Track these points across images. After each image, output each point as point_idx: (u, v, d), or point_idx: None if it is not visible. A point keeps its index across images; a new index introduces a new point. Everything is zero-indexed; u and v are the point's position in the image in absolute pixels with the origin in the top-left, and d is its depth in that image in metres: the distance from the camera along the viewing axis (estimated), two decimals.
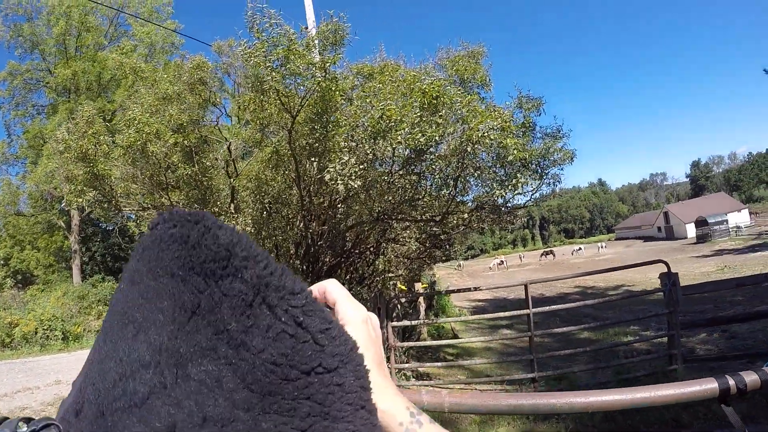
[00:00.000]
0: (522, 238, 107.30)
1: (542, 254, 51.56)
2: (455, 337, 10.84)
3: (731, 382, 1.37)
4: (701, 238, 45.00)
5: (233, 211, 7.63)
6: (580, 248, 56.27)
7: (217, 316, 0.36)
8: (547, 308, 7.11)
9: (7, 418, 0.40)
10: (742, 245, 32.48)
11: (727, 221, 49.37)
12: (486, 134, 5.22)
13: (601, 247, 53.58)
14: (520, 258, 55.30)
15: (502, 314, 8.04)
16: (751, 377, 1.38)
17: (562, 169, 7.59)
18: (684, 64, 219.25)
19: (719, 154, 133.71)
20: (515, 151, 5.68)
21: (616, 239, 75.11)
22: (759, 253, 24.96)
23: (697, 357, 6.93)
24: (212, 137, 8.33)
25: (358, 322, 0.48)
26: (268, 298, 0.37)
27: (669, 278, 6.68)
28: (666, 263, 7.53)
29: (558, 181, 7.63)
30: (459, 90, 6.40)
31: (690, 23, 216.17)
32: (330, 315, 0.40)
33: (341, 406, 0.36)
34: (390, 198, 6.45)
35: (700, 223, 50.62)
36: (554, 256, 50.07)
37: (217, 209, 7.42)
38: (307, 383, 0.36)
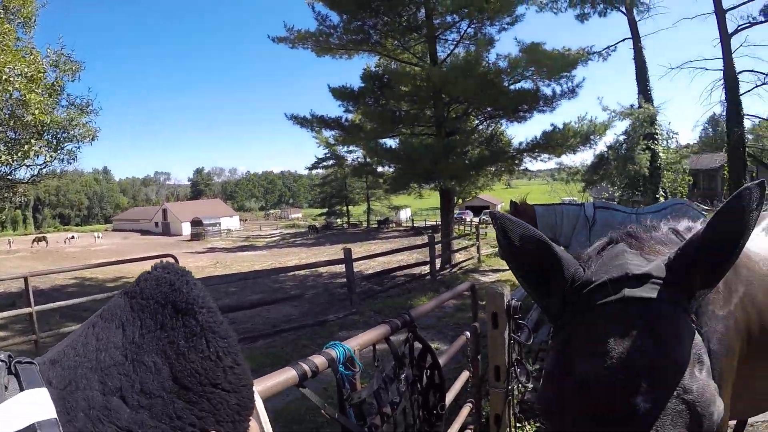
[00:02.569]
0: (12, 219, 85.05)
1: (34, 240, 44.24)
2: None
3: (306, 367, 1.55)
4: (195, 237, 50.05)
5: None
6: (73, 236, 51.80)
7: (174, 333, 0.56)
8: (54, 304, 6.54)
9: None
10: (231, 246, 38.49)
11: (220, 224, 57.97)
12: (12, 79, 4.02)
13: (97, 237, 50.97)
14: (9, 243, 44.16)
15: None
16: (319, 360, 1.62)
17: (79, 147, 7.36)
18: (202, 79, 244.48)
19: (221, 167, 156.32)
20: (37, 112, 4.73)
21: (113, 230, 72.21)
22: (246, 252, 30.49)
23: None
24: None
25: None
26: (207, 335, 0.57)
27: None
28: (175, 257, 7.85)
29: (74, 158, 7.49)
30: None
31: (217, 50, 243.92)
32: (243, 359, 0.60)
33: (225, 413, 0.56)
34: None
35: (196, 222, 56.41)
36: (47, 243, 43.40)
37: None
38: (210, 391, 0.55)
